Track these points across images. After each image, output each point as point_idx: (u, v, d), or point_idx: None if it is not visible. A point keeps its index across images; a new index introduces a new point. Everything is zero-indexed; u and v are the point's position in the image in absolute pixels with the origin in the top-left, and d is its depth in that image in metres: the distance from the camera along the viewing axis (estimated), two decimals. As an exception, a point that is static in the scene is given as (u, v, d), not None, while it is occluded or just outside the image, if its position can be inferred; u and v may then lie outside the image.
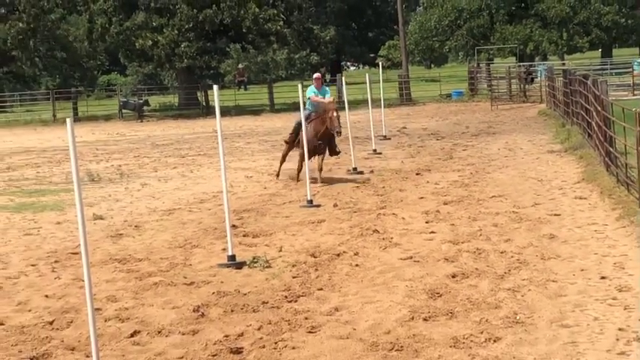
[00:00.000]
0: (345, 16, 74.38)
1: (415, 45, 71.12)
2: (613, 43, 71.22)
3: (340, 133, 21.43)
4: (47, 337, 9.66)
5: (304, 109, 20.40)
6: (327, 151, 21.79)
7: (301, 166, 20.54)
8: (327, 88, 22.99)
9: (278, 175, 22.66)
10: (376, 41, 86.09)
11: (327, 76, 73.50)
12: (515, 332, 8.86)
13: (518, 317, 9.36)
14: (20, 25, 62.31)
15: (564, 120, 32.09)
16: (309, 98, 21.76)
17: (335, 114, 21.02)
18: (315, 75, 23.18)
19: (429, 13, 72.49)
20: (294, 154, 21.98)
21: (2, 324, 10.26)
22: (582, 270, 11.23)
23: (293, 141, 22.05)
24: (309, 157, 19.87)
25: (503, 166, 22.69)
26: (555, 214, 15.27)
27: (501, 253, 12.46)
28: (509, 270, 11.44)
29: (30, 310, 10.83)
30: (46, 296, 11.51)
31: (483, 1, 68.47)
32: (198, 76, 61.55)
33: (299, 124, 21.08)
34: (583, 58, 70.98)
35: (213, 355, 8.67)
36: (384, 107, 33.27)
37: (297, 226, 15.76)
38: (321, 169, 21.60)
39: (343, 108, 25.87)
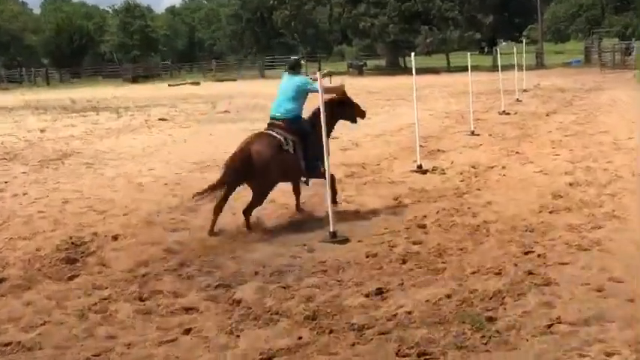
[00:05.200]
0: (500, 7, 71.62)
1: (548, 28, 69.10)
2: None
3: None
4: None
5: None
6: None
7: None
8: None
9: None
10: (521, 25, 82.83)
11: (485, 49, 71.26)
12: (614, 224, 8.49)
13: (615, 213, 8.95)
14: (286, 12, 63.67)
15: (654, 81, 30.08)
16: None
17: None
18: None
19: (558, 6, 70.12)
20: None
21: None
22: (664, 184, 10.63)
23: None
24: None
25: (607, 112, 21.37)
26: (644, 145, 14.42)
27: (604, 170, 11.90)
28: (610, 181, 10.91)
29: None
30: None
31: (597, -2, 65.67)
32: (399, 47, 60.95)
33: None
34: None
35: (407, 228, 8.68)
36: (525, 70, 31.92)
37: (463, 147, 15.51)
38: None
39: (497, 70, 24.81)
